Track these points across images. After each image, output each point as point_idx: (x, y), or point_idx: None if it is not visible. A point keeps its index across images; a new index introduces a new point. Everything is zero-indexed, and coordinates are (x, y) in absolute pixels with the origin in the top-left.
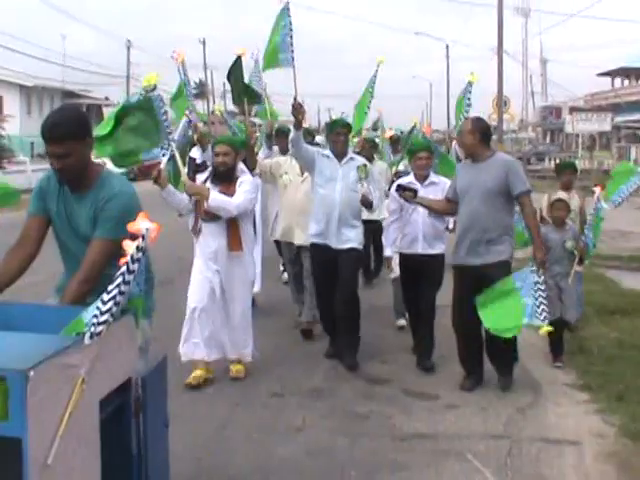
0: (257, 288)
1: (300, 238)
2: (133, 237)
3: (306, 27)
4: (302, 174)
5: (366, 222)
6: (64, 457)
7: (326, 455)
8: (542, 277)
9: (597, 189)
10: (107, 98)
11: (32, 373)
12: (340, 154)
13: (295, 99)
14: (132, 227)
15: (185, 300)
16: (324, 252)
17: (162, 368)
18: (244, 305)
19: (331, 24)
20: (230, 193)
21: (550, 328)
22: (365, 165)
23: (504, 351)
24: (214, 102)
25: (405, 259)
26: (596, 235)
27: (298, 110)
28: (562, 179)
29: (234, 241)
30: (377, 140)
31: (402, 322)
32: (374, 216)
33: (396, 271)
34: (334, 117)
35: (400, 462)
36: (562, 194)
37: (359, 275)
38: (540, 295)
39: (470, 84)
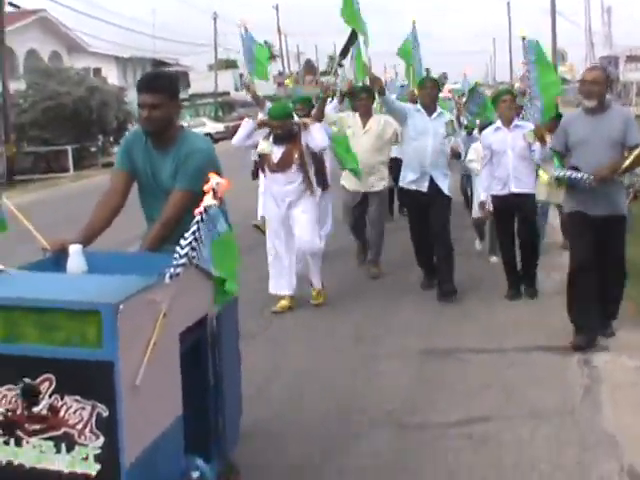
0: (328, 229)
1: (363, 185)
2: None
3: None
4: (364, 127)
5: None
6: (150, 380)
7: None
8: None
9: None
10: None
11: (122, 306)
12: (430, 108)
13: (370, 74)
14: (206, 186)
15: None
16: (419, 197)
17: (234, 307)
18: (312, 229)
19: None
20: (295, 150)
21: None
22: (452, 121)
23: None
24: (289, 66)
25: (498, 201)
26: None
27: (374, 82)
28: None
29: (308, 186)
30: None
31: (494, 259)
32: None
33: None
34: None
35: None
36: None
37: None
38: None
39: (524, 40)
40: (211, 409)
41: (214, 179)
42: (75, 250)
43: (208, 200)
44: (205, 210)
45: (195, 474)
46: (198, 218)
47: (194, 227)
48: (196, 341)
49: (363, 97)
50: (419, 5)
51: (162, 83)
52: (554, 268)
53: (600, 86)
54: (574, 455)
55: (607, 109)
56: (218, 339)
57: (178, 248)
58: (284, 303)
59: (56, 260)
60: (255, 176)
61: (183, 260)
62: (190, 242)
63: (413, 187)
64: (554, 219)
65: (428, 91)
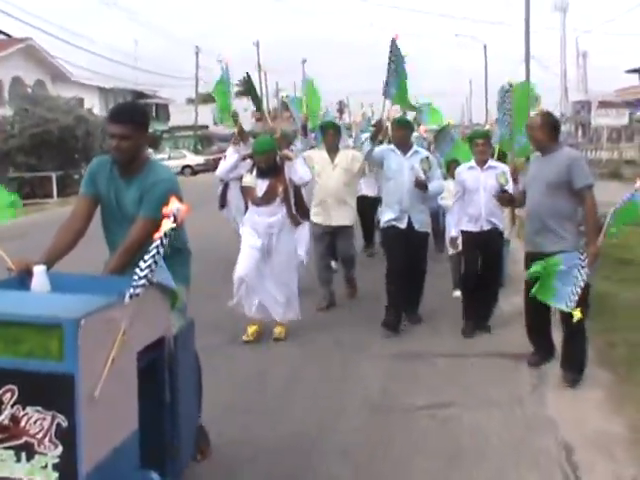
0: (305, 259)
1: (335, 220)
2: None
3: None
4: (332, 162)
5: (362, 198)
6: (108, 394)
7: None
8: (585, 269)
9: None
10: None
11: (83, 321)
12: (403, 148)
13: (379, 120)
14: (165, 209)
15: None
16: (398, 234)
17: (191, 329)
18: (290, 265)
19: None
20: (280, 184)
21: (580, 315)
22: (427, 157)
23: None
24: (268, 101)
25: (469, 236)
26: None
27: (379, 129)
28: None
29: (289, 220)
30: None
31: (457, 293)
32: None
33: (457, 248)
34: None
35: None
36: None
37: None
38: (578, 284)
39: (510, 87)
40: (167, 426)
41: (174, 204)
42: (39, 270)
43: (167, 224)
44: (165, 235)
45: None
46: (158, 242)
47: (154, 250)
48: (154, 360)
49: (330, 132)
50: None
51: (132, 115)
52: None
53: (535, 131)
54: (520, 433)
55: (553, 152)
56: (175, 359)
57: (137, 270)
58: (254, 328)
59: (20, 280)
60: (222, 207)
61: (142, 281)
62: (149, 265)
63: (392, 224)
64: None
65: (399, 132)
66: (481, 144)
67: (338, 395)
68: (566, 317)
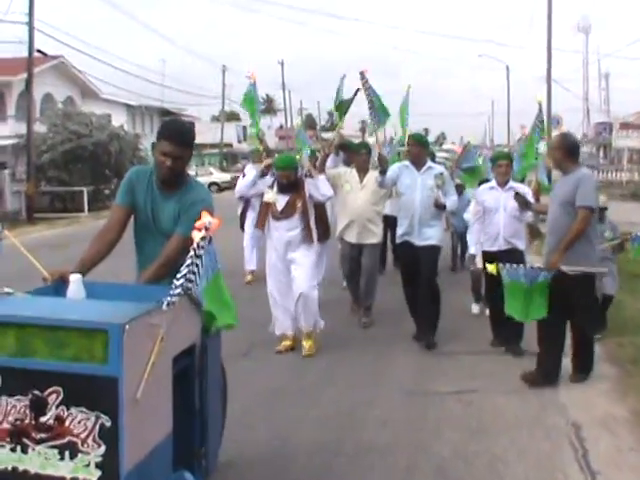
0: (321, 275)
1: (362, 238)
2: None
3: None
4: (361, 182)
5: (386, 217)
6: (147, 397)
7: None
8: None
9: None
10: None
11: (127, 327)
12: (417, 164)
13: (380, 154)
14: (197, 223)
15: None
16: (408, 249)
17: (217, 339)
18: (311, 278)
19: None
20: (299, 199)
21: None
22: (442, 173)
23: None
24: (292, 119)
25: (488, 256)
26: None
27: (382, 161)
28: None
29: (308, 233)
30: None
31: (476, 308)
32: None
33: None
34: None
35: None
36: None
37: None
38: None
39: (539, 104)
40: (196, 431)
41: (206, 217)
42: (76, 279)
43: (198, 235)
44: (198, 246)
45: None
46: (192, 253)
47: (189, 260)
48: (185, 367)
49: (363, 153)
50: (421, 66)
51: (189, 137)
52: None
53: (557, 152)
54: (535, 413)
55: (571, 172)
56: (205, 366)
57: (174, 280)
58: (288, 343)
59: (55, 289)
60: (242, 227)
61: (178, 290)
62: (185, 274)
63: (404, 239)
64: None
65: (414, 148)
66: (504, 165)
67: (374, 383)
68: (577, 329)
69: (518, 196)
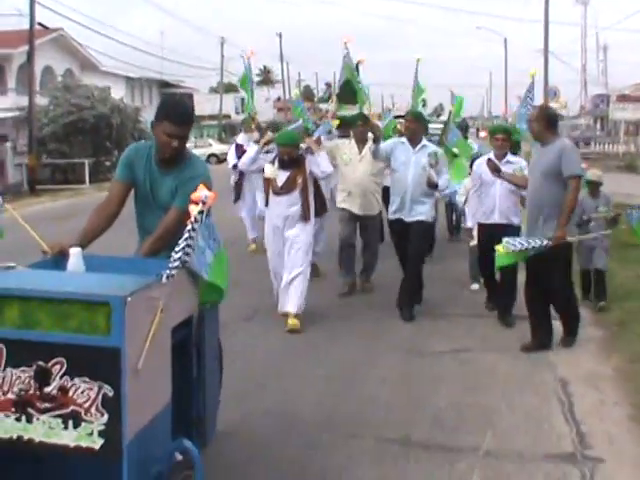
0: (321, 247)
1: (361, 209)
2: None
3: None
4: (360, 153)
5: (386, 189)
6: (147, 367)
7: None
8: (538, 241)
9: None
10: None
11: (129, 299)
12: (413, 141)
13: (373, 123)
14: (194, 195)
15: None
16: (400, 225)
17: (215, 310)
18: (306, 255)
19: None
20: (300, 175)
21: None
22: (436, 152)
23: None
24: (290, 91)
25: (483, 229)
26: None
27: (375, 129)
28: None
29: (306, 210)
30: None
31: (475, 286)
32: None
33: (474, 240)
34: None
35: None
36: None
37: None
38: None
39: (532, 79)
40: (194, 400)
41: (203, 191)
42: (76, 252)
43: (196, 210)
44: (196, 219)
45: (180, 456)
46: (190, 227)
47: (186, 234)
48: (183, 337)
49: (360, 124)
50: (420, 38)
51: (191, 115)
52: None
53: (536, 123)
54: (525, 370)
55: (550, 143)
56: (202, 337)
57: (173, 253)
58: (294, 321)
59: (55, 261)
60: (236, 199)
61: (177, 263)
62: (183, 247)
63: (396, 216)
64: None
65: (411, 125)
66: (501, 139)
67: (374, 344)
68: (556, 292)
69: (490, 162)
